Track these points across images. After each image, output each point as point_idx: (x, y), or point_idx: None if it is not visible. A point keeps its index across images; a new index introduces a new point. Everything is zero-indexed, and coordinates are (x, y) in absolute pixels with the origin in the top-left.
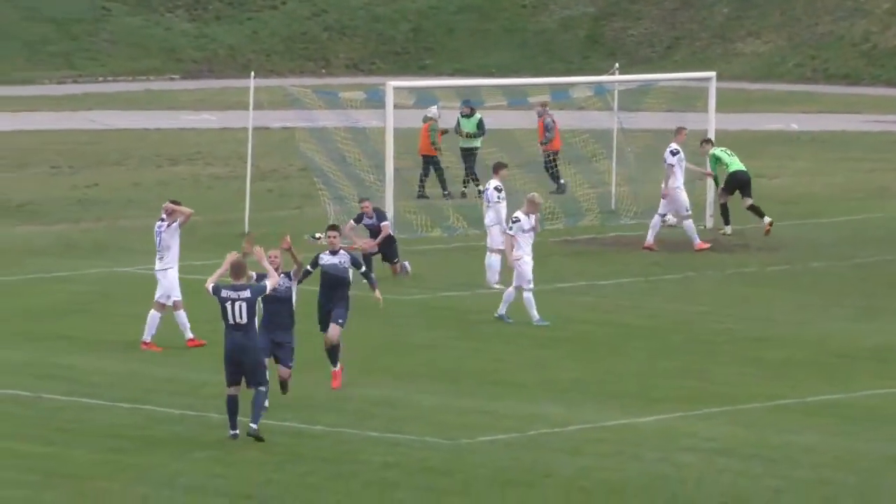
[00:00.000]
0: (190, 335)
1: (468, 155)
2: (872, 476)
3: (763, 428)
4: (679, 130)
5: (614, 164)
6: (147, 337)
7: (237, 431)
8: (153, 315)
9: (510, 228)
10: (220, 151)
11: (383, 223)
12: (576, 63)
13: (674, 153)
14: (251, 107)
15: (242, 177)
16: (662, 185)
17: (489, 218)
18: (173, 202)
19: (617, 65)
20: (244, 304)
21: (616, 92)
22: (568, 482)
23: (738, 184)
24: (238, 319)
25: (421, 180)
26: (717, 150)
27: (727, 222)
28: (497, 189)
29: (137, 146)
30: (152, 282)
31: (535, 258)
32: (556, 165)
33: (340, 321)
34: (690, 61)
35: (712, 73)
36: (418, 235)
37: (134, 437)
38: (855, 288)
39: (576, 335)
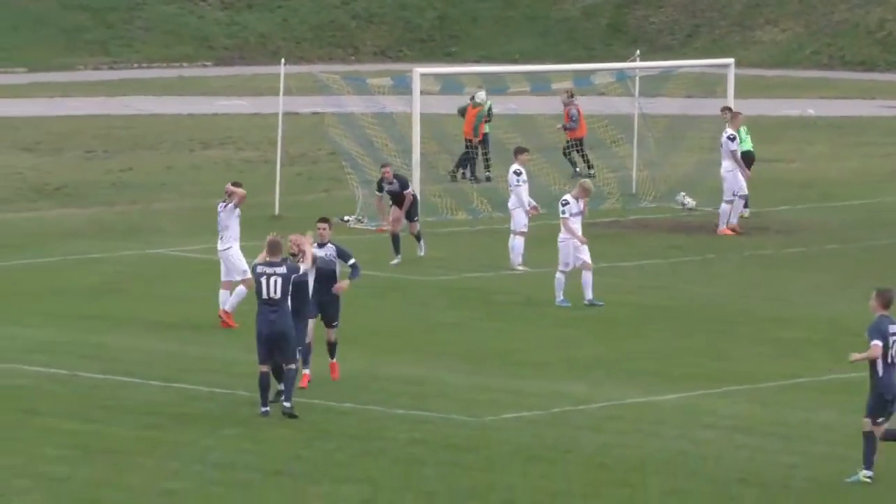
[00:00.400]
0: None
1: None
2: (887, 452)
3: (780, 406)
4: (735, 115)
5: (635, 149)
6: (230, 310)
7: (268, 409)
8: (240, 290)
9: (562, 212)
10: (252, 136)
11: (406, 191)
12: (598, 50)
13: (731, 138)
14: (281, 93)
15: (273, 161)
16: (728, 172)
17: (511, 201)
18: (234, 184)
19: (638, 52)
20: (279, 280)
21: (637, 78)
22: (589, 458)
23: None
24: (272, 294)
25: (462, 161)
26: None
27: (745, 205)
28: (516, 173)
29: (171, 131)
30: (185, 263)
31: (558, 241)
32: (583, 151)
33: (335, 324)
34: (710, 48)
35: (731, 60)
36: (444, 218)
37: (167, 414)
38: (869, 270)
39: (598, 315)
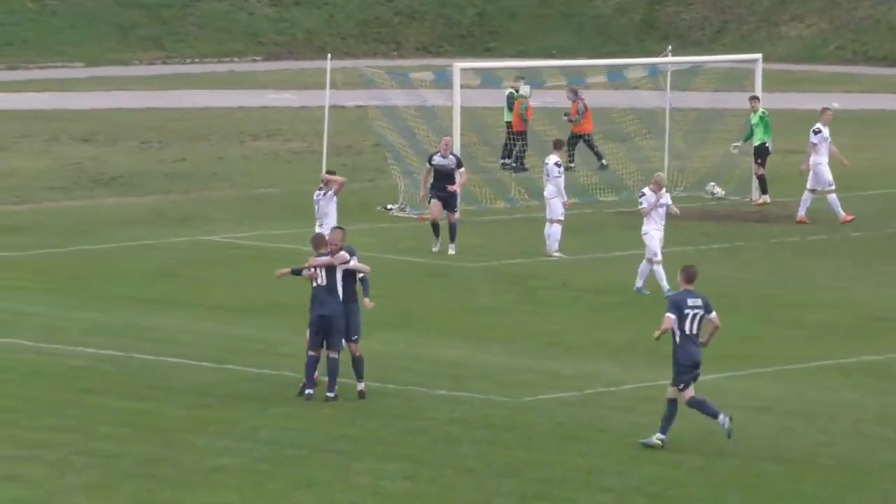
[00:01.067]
0: None
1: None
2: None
3: (804, 387)
4: (823, 111)
5: (667, 142)
6: None
7: (312, 391)
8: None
9: (640, 203)
10: (299, 128)
11: (461, 169)
12: (631, 45)
13: (816, 132)
14: (328, 87)
15: (319, 152)
16: (817, 165)
17: (549, 191)
18: (329, 172)
19: (670, 47)
20: (324, 268)
21: (668, 73)
22: (622, 437)
23: (764, 153)
24: (319, 282)
25: (518, 153)
26: (765, 111)
27: (765, 192)
28: (557, 164)
29: (222, 123)
30: (236, 249)
31: (592, 229)
32: (592, 145)
33: (355, 337)
34: (738, 44)
35: (758, 55)
36: (483, 207)
37: (217, 395)
38: (890, 256)
39: (630, 300)
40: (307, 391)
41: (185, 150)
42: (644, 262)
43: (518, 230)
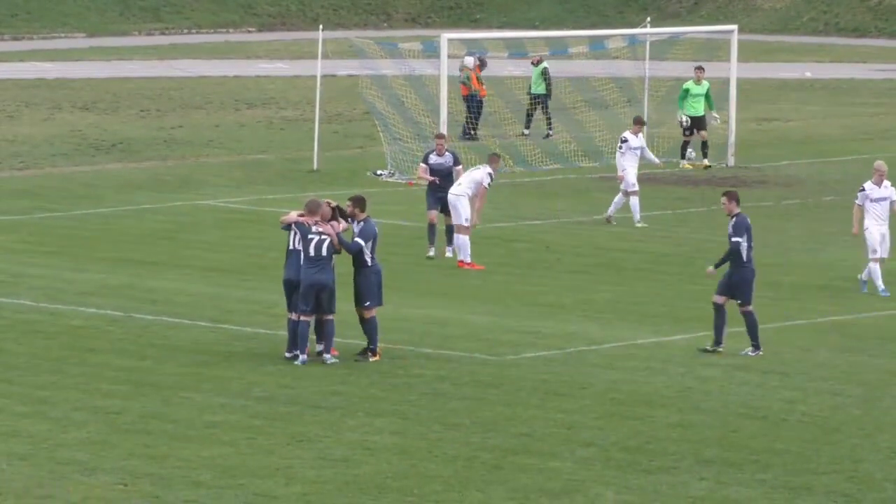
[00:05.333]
0: (466, 258)
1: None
2: (876, 388)
3: (778, 345)
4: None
5: (646, 109)
6: (466, 258)
7: (302, 357)
8: (463, 239)
9: (856, 198)
10: (292, 97)
11: (458, 167)
12: (612, 17)
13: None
14: (320, 56)
15: (311, 119)
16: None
17: (619, 163)
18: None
19: (648, 18)
20: (297, 234)
21: (647, 43)
22: (602, 393)
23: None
24: (296, 245)
25: (466, 120)
26: (706, 82)
27: (706, 156)
28: (623, 140)
29: (217, 91)
30: (231, 213)
31: (573, 194)
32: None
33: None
34: (715, 15)
35: (734, 27)
36: None
37: (213, 353)
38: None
39: (610, 261)
40: (293, 355)
41: (183, 117)
42: (870, 262)
43: (503, 195)
